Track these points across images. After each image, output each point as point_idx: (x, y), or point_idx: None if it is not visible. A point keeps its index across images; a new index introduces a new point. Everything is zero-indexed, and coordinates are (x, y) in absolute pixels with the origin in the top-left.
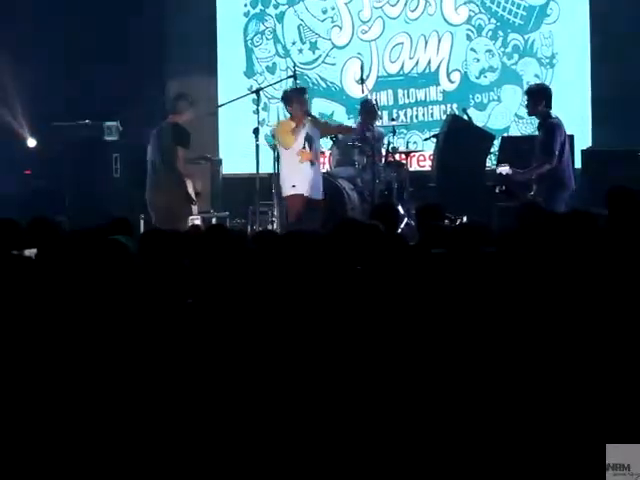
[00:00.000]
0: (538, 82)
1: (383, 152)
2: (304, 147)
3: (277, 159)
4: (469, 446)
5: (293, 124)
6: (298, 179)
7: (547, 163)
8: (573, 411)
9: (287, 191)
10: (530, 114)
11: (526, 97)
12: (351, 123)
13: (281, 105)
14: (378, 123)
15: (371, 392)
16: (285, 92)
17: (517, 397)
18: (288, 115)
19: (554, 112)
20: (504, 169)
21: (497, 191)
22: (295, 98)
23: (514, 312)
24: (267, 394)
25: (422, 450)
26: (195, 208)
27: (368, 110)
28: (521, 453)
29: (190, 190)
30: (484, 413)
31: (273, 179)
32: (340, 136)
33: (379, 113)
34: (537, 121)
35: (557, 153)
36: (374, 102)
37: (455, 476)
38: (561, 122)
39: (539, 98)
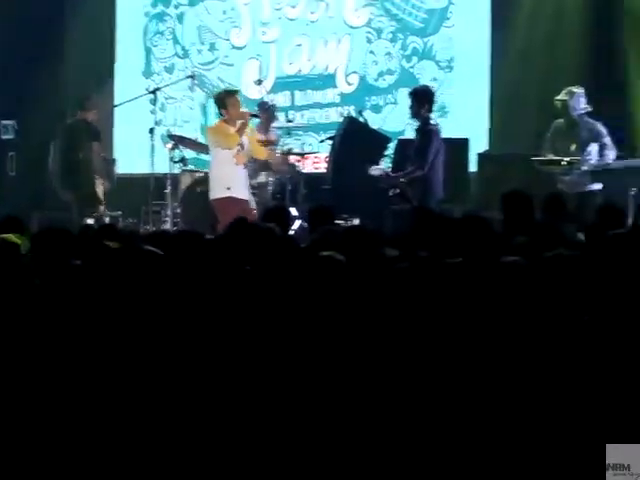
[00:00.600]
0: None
1: (278, 153)
2: (239, 149)
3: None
4: (469, 446)
5: (231, 125)
6: (234, 182)
7: (419, 169)
8: (573, 411)
9: (219, 193)
10: (413, 117)
11: (410, 99)
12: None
13: (177, 105)
14: (275, 124)
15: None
16: (218, 94)
17: (517, 397)
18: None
19: (434, 118)
20: (376, 171)
21: (390, 194)
22: (229, 100)
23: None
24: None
25: (421, 450)
26: (102, 208)
27: (265, 112)
28: (521, 453)
29: (99, 189)
30: (484, 413)
31: (167, 179)
32: None
33: (276, 115)
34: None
35: (430, 160)
36: (271, 104)
37: (455, 476)
38: (440, 129)
39: (423, 101)
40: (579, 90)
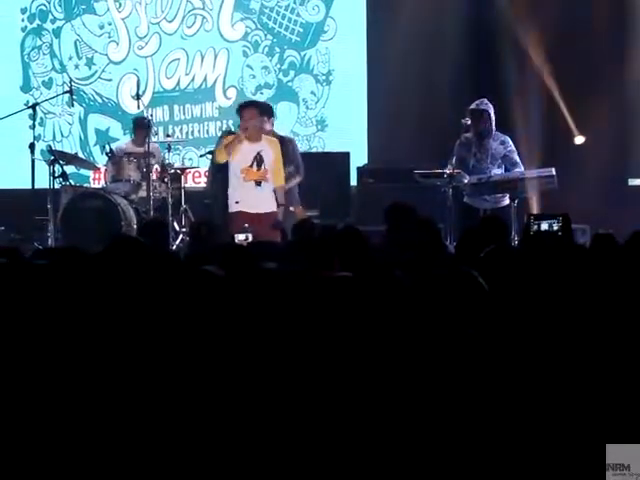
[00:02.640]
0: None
1: (158, 168)
2: (251, 165)
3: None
4: (469, 446)
5: (229, 139)
6: (240, 196)
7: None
8: (573, 411)
9: (230, 208)
10: None
11: None
12: (127, 139)
13: (56, 120)
14: (154, 139)
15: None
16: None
17: (516, 397)
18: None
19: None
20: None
21: None
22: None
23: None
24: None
25: (420, 450)
26: None
27: (141, 126)
28: (521, 453)
29: None
30: (483, 413)
31: (48, 194)
32: (115, 151)
33: (154, 129)
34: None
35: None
36: (148, 118)
37: (455, 476)
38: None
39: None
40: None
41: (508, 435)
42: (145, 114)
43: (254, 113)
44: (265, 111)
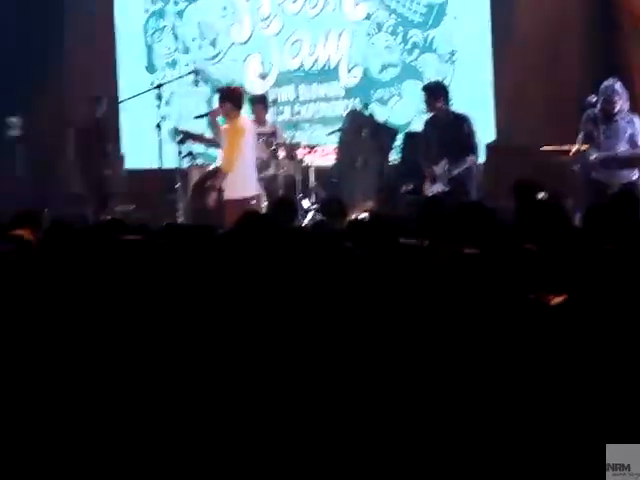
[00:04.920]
0: (435, 79)
1: (285, 146)
2: None
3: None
4: (469, 446)
5: None
6: None
7: (476, 155)
8: (573, 411)
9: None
10: (429, 111)
11: (424, 94)
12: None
13: (182, 100)
14: (280, 118)
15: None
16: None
17: (516, 397)
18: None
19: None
20: (434, 187)
21: (403, 191)
22: None
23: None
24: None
25: (421, 450)
26: (115, 203)
27: (258, 102)
28: (521, 453)
29: (111, 185)
30: (483, 413)
31: (177, 173)
32: None
33: (280, 108)
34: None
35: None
36: (260, 97)
37: (455, 476)
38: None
39: (437, 94)
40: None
41: (508, 435)
42: (270, 94)
43: None
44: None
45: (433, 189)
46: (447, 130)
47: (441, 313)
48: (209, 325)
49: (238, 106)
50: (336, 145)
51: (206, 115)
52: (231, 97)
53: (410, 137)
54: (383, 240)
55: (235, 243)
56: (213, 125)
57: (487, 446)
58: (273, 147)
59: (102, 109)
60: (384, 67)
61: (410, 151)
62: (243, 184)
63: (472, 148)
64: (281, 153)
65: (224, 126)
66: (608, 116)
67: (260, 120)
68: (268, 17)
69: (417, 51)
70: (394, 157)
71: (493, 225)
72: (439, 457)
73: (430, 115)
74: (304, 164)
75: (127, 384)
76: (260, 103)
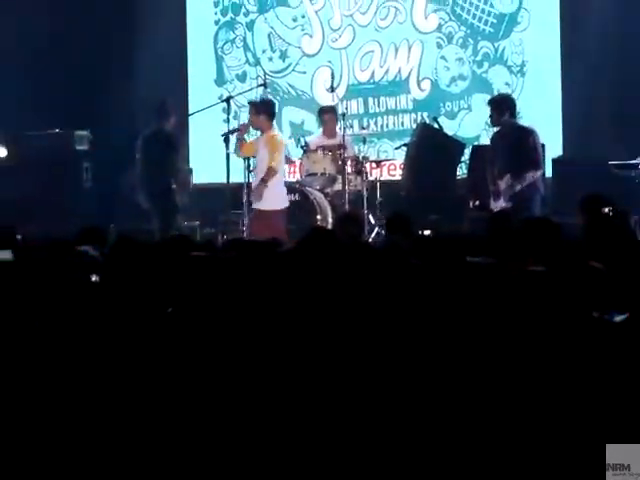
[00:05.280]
0: (502, 92)
1: (353, 161)
2: None
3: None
4: (469, 446)
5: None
6: None
7: (539, 169)
8: (573, 411)
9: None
10: (493, 125)
11: (490, 107)
12: (320, 132)
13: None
14: (348, 132)
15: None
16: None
17: (517, 397)
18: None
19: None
20: (499, 202)
21: (471, 206)
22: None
23: (507, 316)
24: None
25: (421, 450)
26: (180, 217)
27: (327, 113)
28: (521, 453)
29: (178, 200)
30: (483, 413)
31: (243, 188)
32: (310, 144)
33: (349, 122)
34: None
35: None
36: (330, 107)
37: (455, 476)
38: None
39: (503, 108)
40: None
41: (509, 435)
42: (340, 107)
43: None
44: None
45: (497, 205)
46: (512, 144)
47: (506, 331)
48: (270, 340)
49: (272, 118)
50: (403, 159)
51: (236, 130)
52: (266, 109)
53: (477, 151)
54: (450, 257)
55: (300, 259)
56: (241, 140)
57: (488, 446)
58: (340, 161)
59: (170, 121)
60: (453, 79)
61: (477, 165)
62: (275, 196)
63: (536, 162)
64: (349, 167)
65: (259, 138)
66: None
67: (330, 132)
68: (339, 28)
69: (487, 63)
70: (462, 171)
71: (560, 241)
72: (440, 457)
73: (497, 129)
74: (371, 178)
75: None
76: (330, 113)
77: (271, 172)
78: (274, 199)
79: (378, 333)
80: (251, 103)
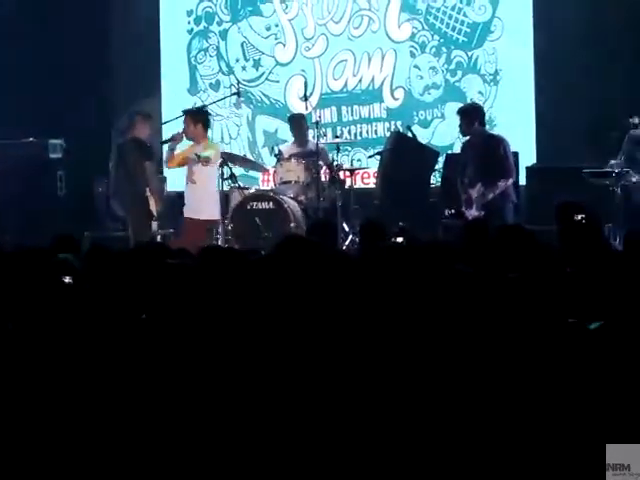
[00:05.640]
0: (471, 102)
1: (327, 169)
2: None
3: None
4: (469, 446)
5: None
6: None
7: (511, 178)
8: (573, 411)
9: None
10: (464, 135)
11: (459, 117)
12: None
13: (224, 122)
14: (323, 140)
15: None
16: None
17: (517, 397)
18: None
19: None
20: (471, 211)
21: (446, 214)
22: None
23: (489, 321)
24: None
25: (422, 450)
26: (155, 224)
27: (296, 121)
28: (521, 453)
29: (152, 206)
30: (483, 413)
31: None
32: (283, 153)
33: (322, 130)
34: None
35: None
36: (299, 115)
37: (455, 476)
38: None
39: (472, 118)
40: None
41: (509, 435)
42: (313, 115)
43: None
44: None
45: (470, 213)
46: (483, 153)
47: (482, 337)
48: (244, 347)
49: (207, 128)
50: (377, 168)
51: (171, 140)
52: (203, 119)
53: (451, 159)
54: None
55: (275, 266)
56: (173, 151)
57: (488, 446)
58: (314, 170)
59: (145, 130)
60: (427, 88)
61: (450, 173)
62: (209, 207)
63: (508, 171)
64: (323, 176)
65: (194, 146)
66: None
67: (301, 140)
68: (312, 37)
69: (460, 72)
70: (436, 179)
71: (534, 248)
72: (441, 457)
73: (467, 138)
74: (345, 187)
75: (167, 408)
76: (301, 120)
77: (205, 159)
78: (212, 208)
79: (354, 341)
80: (187, 112)
